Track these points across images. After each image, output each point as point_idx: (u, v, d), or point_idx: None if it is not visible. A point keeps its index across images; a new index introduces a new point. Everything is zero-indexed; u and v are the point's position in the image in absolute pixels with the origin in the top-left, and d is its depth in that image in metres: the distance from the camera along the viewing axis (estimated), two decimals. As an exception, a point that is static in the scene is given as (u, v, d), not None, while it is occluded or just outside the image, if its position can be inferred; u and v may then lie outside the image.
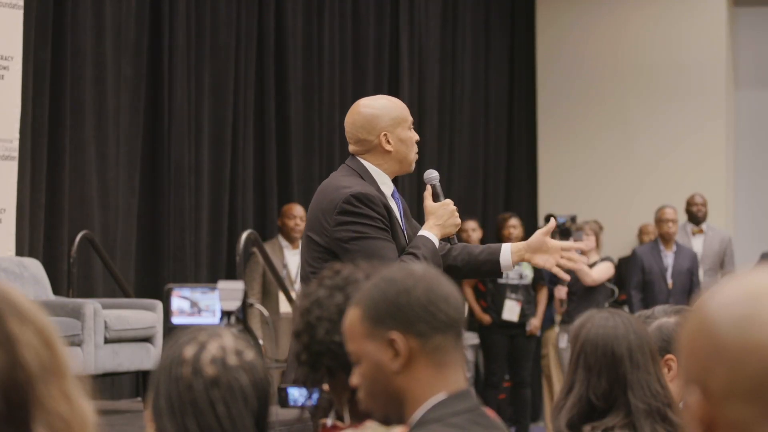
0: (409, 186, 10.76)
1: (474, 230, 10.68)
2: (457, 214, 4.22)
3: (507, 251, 4.35)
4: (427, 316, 2.15)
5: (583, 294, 9.63)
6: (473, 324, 10.60)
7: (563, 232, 9.56)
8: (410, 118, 4.23)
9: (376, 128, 4.16)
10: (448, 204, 4.22)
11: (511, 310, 10.21)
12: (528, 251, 4.37)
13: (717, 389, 1.36)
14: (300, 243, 9.47)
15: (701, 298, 1.44)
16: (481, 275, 4.49)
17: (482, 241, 10.68)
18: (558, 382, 10.14)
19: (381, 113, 4.18)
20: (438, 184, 4.28)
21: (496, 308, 10.27)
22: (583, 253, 9.65)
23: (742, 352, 1.35)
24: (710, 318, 1.39)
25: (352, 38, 10.94)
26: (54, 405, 1.74)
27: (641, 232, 11.90)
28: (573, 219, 10.03)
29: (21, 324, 1.76)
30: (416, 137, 4.24)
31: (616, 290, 10.01)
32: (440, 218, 4.19)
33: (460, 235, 4.50)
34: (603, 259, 9.81)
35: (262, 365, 2.23)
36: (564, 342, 9.62)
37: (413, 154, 4.22)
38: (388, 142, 4.16)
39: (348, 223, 4.04)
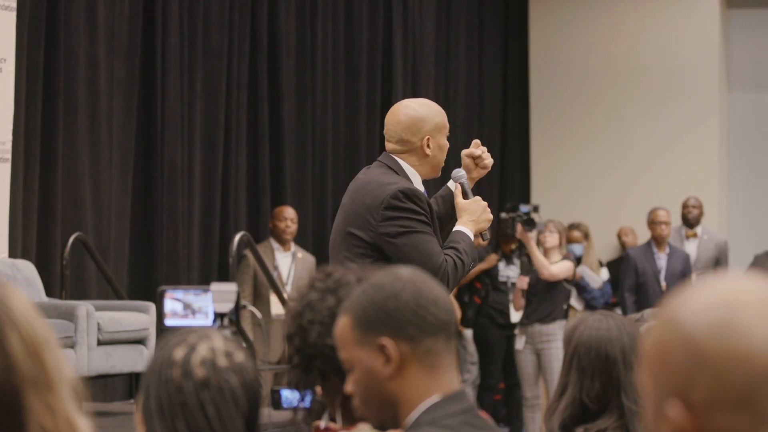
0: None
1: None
2: (489, 209, 4.31)
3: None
4: (416, 319, 2.15)
5: (542, 295, 9.30)
6: (470, 323, 10.45)
7: (527, 222, 9.29)
8: (448, 126, 4.33)
9: (421, 131, 4.24)
10: (479, 200, 4.31)
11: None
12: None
13: (701, 401, 1.33)
14: (292, 245, 9.46)
15: (668, 308, 1.40)
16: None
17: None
18: (530, 385, 9.80)
19: (427, 117, 4.27)
20: (466, 182, 4.37)
21: (499, 309, 10.16)
22: (545, 251, 9.39)
23: (725, 360, 1.32)
24: (686, 328, 1.36)
25: (345, 40, 10.92)
26: (35, 417, 1.72)
27: (620, 235, 11.76)
28: (536, 208, 9.80)
29: (11, 330, 1.74)
30: (448, 145, 4.32)
31: (573, 290, 9.78)
32: (473, 214, 4.27)
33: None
34: (564, 258, 9.52)
35: (253, 367, 2.23)
36: (521, 344, 9.40)
37: (443, 161, 4.32)
38: (428, 146, 4.24)
39: (395, 218, 4.11)
